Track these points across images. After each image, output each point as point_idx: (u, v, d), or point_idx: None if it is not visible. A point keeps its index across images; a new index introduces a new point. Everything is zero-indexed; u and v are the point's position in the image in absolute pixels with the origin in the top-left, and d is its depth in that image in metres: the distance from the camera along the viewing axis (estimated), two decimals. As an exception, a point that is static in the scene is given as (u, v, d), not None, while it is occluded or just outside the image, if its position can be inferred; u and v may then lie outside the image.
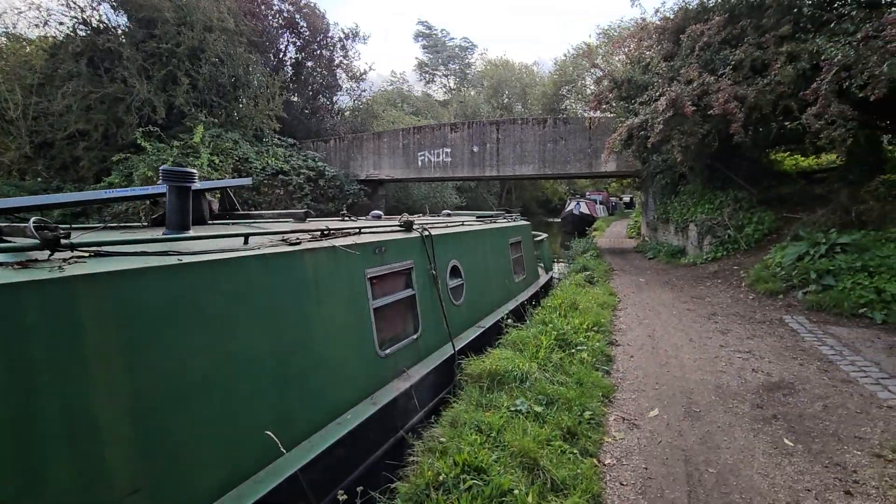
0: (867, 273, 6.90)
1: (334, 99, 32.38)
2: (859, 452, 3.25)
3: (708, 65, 9.40)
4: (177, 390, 2.20)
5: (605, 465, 3.18)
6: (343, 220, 5.14)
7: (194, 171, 2.83)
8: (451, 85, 58.60)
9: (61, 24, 18.67)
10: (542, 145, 18.02)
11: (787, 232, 10.55)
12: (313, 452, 2.83)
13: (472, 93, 57.74)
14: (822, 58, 6.74)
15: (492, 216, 8.43)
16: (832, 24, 7.10)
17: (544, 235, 10.60)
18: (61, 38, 18.76)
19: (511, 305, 6.94)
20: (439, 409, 4.06)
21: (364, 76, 33.61)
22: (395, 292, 4.18)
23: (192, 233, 2.94)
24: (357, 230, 4.03)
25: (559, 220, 35.57)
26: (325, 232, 3.60)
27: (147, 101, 17.96)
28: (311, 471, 2.76)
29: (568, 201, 35.74)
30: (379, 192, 24.93)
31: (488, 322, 5.87)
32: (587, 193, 43.67)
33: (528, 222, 9.21)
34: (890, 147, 11.61)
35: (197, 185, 2.94)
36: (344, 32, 30.12)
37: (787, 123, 10.77)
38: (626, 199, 49.10)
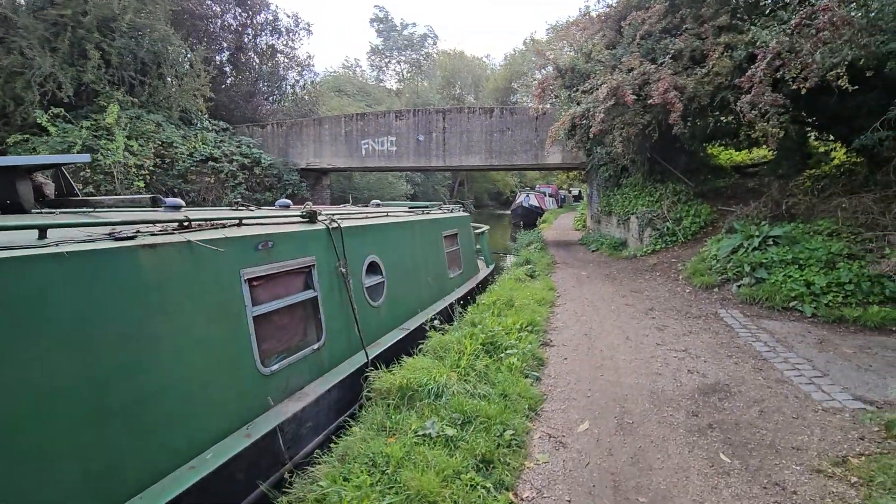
0: (797, 266, 6.92)
1: (282, 85, 30.60)
2: (798, 468, 2.95)
3: (649, 54, 9.22)
4: None
5: (522, 499, 2.69)
6: (236, 210, 4.39)
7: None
8: (406, 74, 57.35)
9: (-60, -17, 16.18)
10: (488, 135, 17.62)
11: (722, 224, 10.69)
12: None
13: (425, 83, 56.81)
14: (758, 43, 6.63)
15: (427, 207, 7.86)
16: (768, 12, 7.01)
17: (485, 227, 10.17)
18: (-58, 1, 16.27)
19: (444, 304, 6.41)
20: (341, 433, 3.45)
21: (309, 65, 32.11)
22: (288, 295, 3.51)
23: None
24: (237, 221, 3.32)
25: (510, 212, 35.68)
26: (184, 223, 2.88)
27: (51, 77, 15.92)
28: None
29: (518, 194, 35.87)
30: (323, 181, 23.77)
31: (414, 323, 5.30)
32: (537, 186, 44.16)
33: (466, 213, 8.71)
34: (816, 143, 12.05)
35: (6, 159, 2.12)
36: (288, 18, 28.51)
37: (722, 118, 10.91)
38: (575, 192, 50.09)
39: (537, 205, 31.01)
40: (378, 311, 4.78)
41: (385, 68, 55.33)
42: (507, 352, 4.55)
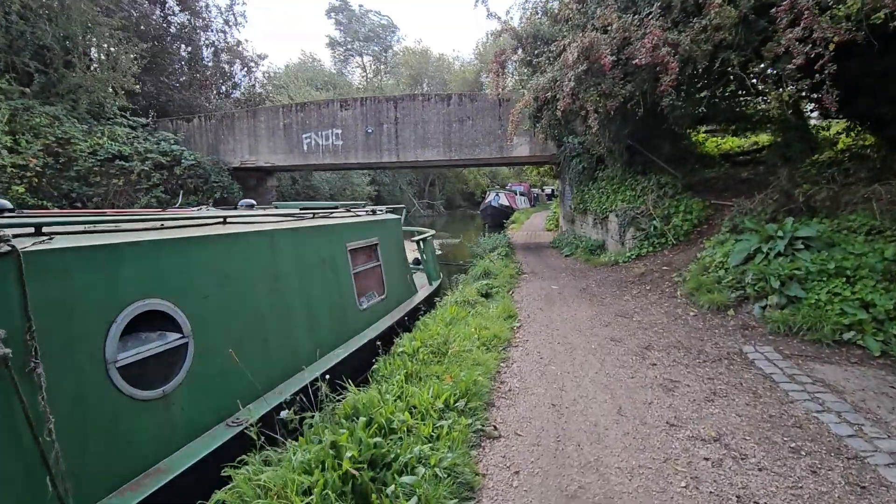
0: (845, 279, 4.97)
1: (224, 83, 27.90)
2: None
3: (629, 7, 7.22)
4: None
5: None
6: None
7: None
8: (369, 68, 54.69)
9: None
10: (447, 126, 15.48)
11: (718, 222, 8.83)
12: None
13: (391, 81, 54.37)
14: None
15: (333, 208, 5.63)
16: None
17: (430, 232, 7.98)
18: None
19: (343, 353, 4.21)
20: None
21: (257, 62, 29.54)
22: None
23: None
24: None
25: (479, 212, 33.76)
26: None
27: None
28: None
29: (487, 193, 33.97)
30: (268, 182, 21.19)
31: (265, 407, 3.09)
32: (509, 185, 42.38)
33: (397, 216, 6.51)
34: (821, 124, 10.35)
35: None
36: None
37: (720, 91, 9.03)
38: (548, 190, 48.54)
39: (507, 204, 29.11)
40: (158, 407, 2.53)
41: (347, 62, 52.46)
42: (403, 480, 2.37)
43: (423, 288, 7.24)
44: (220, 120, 17.55)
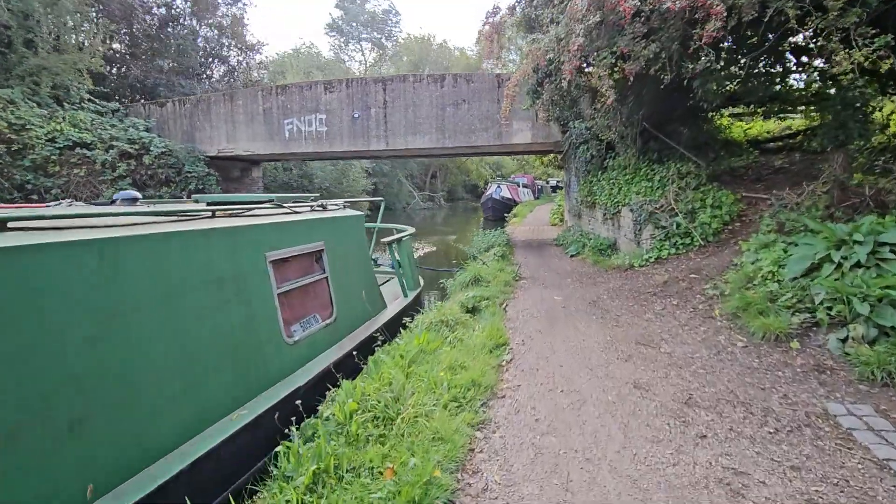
0: (964, 303, 3.57)
1: (218, 68, 26.56)
2: None
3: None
4: None
5: None
6: None
7: None
8: (370, 55, 52.97)
9: None
10: (440, 110, 14.01)
11: (754, 218, 7.43)
12: None
13: (391, 70, 52.67)
14: None
15: (260, 202, 4.24)
16: None
17: (409, 231, 6.60)
18: None
19: (248, 417, 2.87)
20: None
21: (258, 47, 28.13)
22: None
23: None
24: None
25: (480, 205, 32.33)
26: None
27: None
28: None
29: (489, 185, 32.49)
30: (253, 173, 19.86)
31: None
32: (512, 177, 40.84)
33: (356, 212, 5.13)
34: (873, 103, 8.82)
35: None
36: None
37: (756, 66, 7.54)
38: (553, 182, 46.90)
39: (510, 196, 27.63)
40: None
41: (345, 47, 50.75)
42: None
43: (397, 301, 5.88)
44: (196, 104, 16.14)
